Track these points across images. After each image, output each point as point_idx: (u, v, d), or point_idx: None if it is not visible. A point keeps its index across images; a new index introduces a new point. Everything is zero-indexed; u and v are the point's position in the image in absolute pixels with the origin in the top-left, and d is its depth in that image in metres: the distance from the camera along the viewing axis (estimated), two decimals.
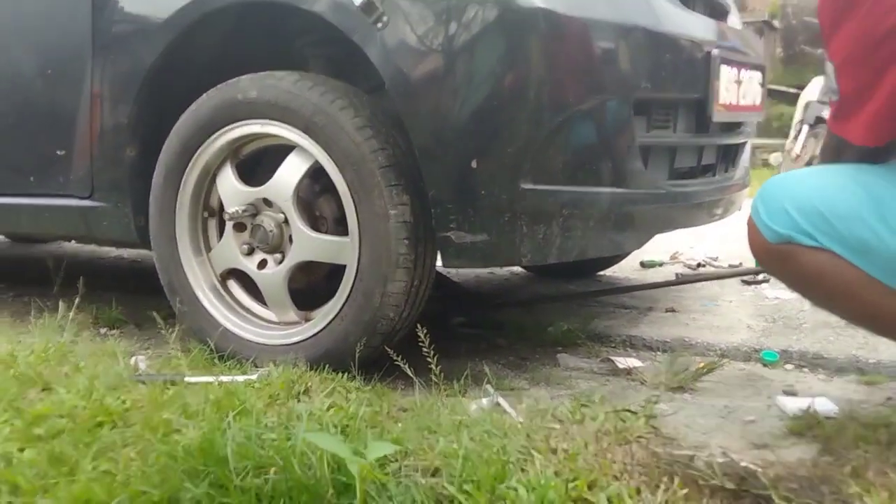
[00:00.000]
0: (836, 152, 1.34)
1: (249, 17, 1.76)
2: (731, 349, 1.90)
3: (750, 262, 2.57)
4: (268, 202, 1.69)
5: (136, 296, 2.41)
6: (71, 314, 1.83)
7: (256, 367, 1.65)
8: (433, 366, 1.36)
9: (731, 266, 2.91)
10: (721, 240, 3.26)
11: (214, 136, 1.70)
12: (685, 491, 1.07)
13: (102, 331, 2.12)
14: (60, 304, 1.89)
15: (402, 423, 1.32)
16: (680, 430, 1.38)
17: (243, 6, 1.70)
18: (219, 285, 1.80)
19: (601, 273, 2.81)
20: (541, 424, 1.28)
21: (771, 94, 2.30)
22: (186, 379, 1.52)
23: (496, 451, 1.13)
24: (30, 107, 2.02)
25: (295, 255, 1.66)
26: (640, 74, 1.58)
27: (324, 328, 1.63)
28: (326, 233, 1.68)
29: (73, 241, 3.27)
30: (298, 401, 1.43)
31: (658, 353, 1.92)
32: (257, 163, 1.79)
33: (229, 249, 1.75)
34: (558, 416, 1.34)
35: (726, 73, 1.76)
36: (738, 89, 1.83)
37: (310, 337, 1.65)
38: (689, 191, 1.78)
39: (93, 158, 1.89)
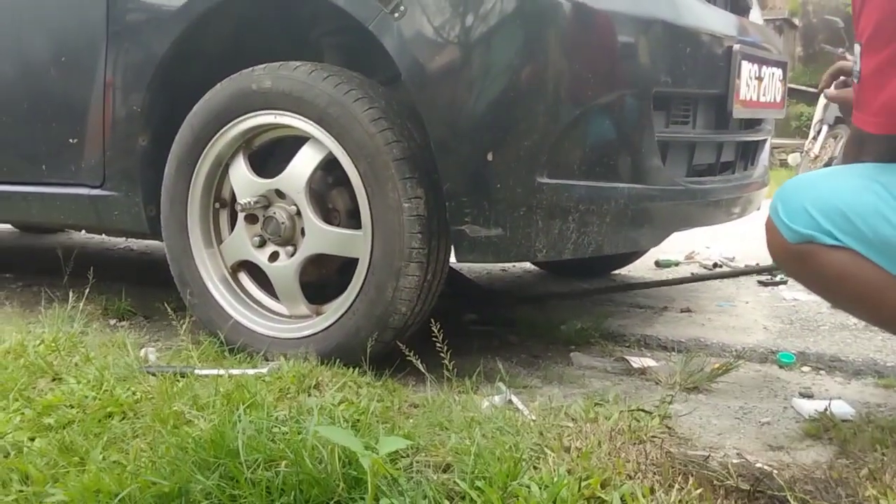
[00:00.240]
0: (858, 149, 1.32)
1: (264, 5, 1.74)
2: (747, 350, 1.88)
3: (767, 262, 2.54)
4: (280, 194, 1.68)
5: (145, 287, 2.41)
6: (81, 305, 1.84)
7: (267, 360, 1.65)
8: (446, 362, 1.35)
9: (747, 266, 2.88)
10: (738, 240, 3.23)
11: (227, 126, 1.69)
12: (699, 491, 1.06)
13: (112, 322, 2.12)
14: (70, 294, 1.89)
15: (413, 418, 1.31)
16: (695, 431, 1.37)
17: None
18: (230, 277, 1.79)
19: (615, 272, 2.79)
20: (554, 422, 1.28)
21: (790, 94, 2.27)
22: (197, 371, 1.52)
23: (509, 448, 1.13)
24: (43, 94, 2.02)
25: (307, 248, 1.65)
26: (660, 68, 1.56)
27: (335, 322, 1.62)
28: (339, 226, 1.67)
29: (82, 232, 3.28)
30: (309, 395, 1.42)
31: (673, 353, 1.90)
32: (270, 154, 1.78)
33: (241, 241, 1.74)
34: (571, 415, 1.34)
35: (747, 69, 1.74)
36: (758, 86, 1.81)
37: (321, 331, 1.64)
38: (708, 188, 1.76)
39: (105, 147, 1.89)
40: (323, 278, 1.76)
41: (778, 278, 2.61)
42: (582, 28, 1.48)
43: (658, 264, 2.97)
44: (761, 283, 2.63)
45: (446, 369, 1.36)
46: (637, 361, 1.78)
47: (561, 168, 1.48)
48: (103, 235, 3.30)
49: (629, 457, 1.14)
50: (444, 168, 1.50)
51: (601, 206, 1.52)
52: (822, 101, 6.32)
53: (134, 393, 1.40)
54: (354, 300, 1.59)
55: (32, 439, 1.24)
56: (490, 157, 1.46)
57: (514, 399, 1.46)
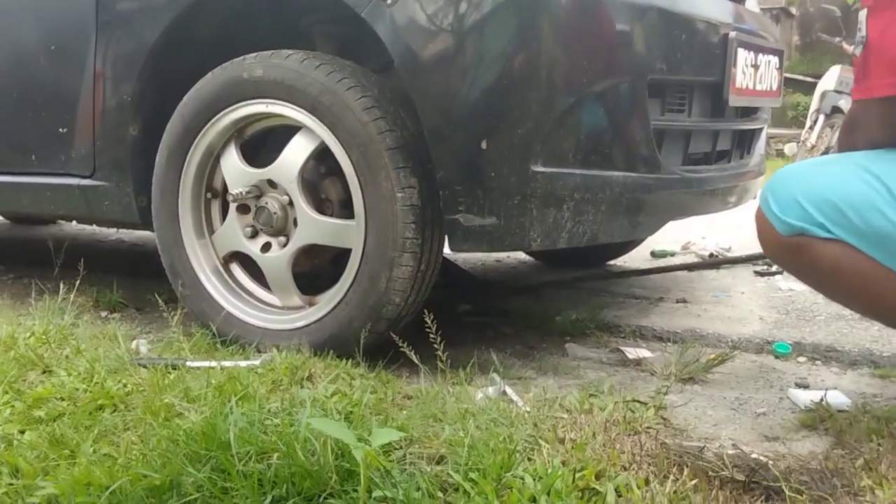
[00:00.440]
0: (852, 135, 1.31)
1: None
2: (742, 341, 1.88)
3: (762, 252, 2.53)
4: (272, 184, 1.66)
5: (136, 279, 2.40)
6: (71, 297, 1.83)
7: (259, 352, 1.64)
8: (440, 353, 1.34)
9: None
10: (734, 229, 3.23)
11: (219, 115, 1.67)
12: (694, 482, 1.06)
13: (103, 314, 2.11)
14: (61, 286, 1.88)
15: (407, 410, 1.31)
16: (690, 422, 1.37)
17: None
18: (222, 268, 1.78)
19: (610, 262, 2.78)
20: (548, 414, 1.27)
21: (786, 83, 2.26)
22: (188, 363, 1.51)
23: (503, 439, 1.13)
24: (32, 83, 2.00)
25: (299, 239, 1.64)
26: (655, 56, 1.55)
27: (328, 313, 1.61)
28: (332, 216, 1.65)
29: (73, 222, 3.26)
30: (302, 387, 1.41)
31: (668, 343, 1.90)
32: (262, 143, 1.76)
33: (233, 232, 1.73)
34: (566, 406, 1.33)
35: (743, 57, 1.73)
36: (754, 73, 1.79)
37: (314, 322, 1.63)
38: (704, 177, 1.75)
39: (95, 137, 1.87)
40: (316, 269, 1.75)
41: (774, 268, 2.60)
42: (576, 15, 1.46)
43: (653, 255, 2.96)
44: (757, 273, 2.63)
45: (440, 360, 1.35)
46: (632, 352, 1.78)
47: (555, 156, 1.46)
48: (94, 227, 3.29)
49: (624, 448, 1.14)
50: (438, 157, 1.49)
51: (596, 195, 1.51)
52: (818, 90, 6.32)
53: (125, 385, 1.40)
54: (348, 291, 1.58)
55: (22, 432, 1.23)
56: (484, 145, 1.45)
57: (509, 390, 1.45)
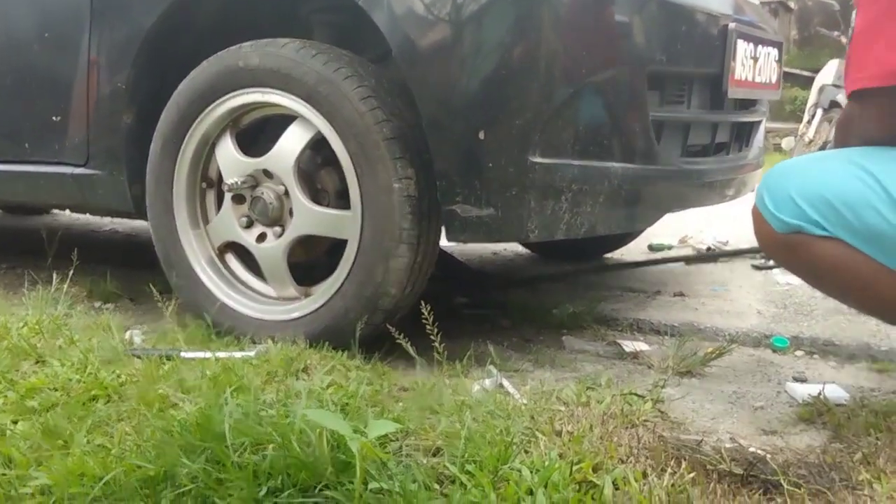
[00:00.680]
0: (847, 131, 1.30)
1: None
2: (740, 334, 1.87)
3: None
4: (268, 174, 1.65)
5: (130, 269, 2.39)
6: (65, 287, 1.82)
7: (254, 343, 1.63)
8: (436, 345, 1.33)
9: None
10: (731, 222, 3.22)
11: (214, 104, 1.66)
12: (692, 475, 1.05)
13: (97, 304, 2.10)
14: (54, 276, 1.87)
15: (403, 402, 1.30)
16: (687, 415, 1.37)
17: None
18: (216, 259, 1.77)
19: (608, 255, 2.78)
20: (545, 406, 1.27)
21: (785, 77, 2.25)
22: (183, 354, 1.50)
23: (499, 432, 1.12)
24: (26, 70, 1.98)
25: (295, 229, 1.63)
26: (655, 47, 1.54)
27: (324, 304, 1.60)
28: (328, 206, 1.64)
29: (67, 212, 3.25)
30: (297, 378, 1.41)
31: (666, 337, 1.89)
32: (258, 133, 1.75)
33: (228, 222, 1.72)
34: (563, 399, 1.33)
35: (743, 49, 1.72)
36: (754, 66, 1.79)
37: (309, 313, 1.62)
38: (702, 169, 1.75)
39: (89, 125, 1.86)
40: (311, 260, 1.74)
41: (771, 262, 2.60)
42: (575, 5, 1.45)
43: (651, 248, 2.96)
44: (755, 267, 2.63)
45: (437, 353, 1.35)
46: (630, 345, 1.78)
47: (554, 147, 1.45)
48: (88, 216, 3.27)
49: (621, 441, 1.14)
50: (436, 147, 1.48)
51: (594, 186, 1.50)
52: (816, 84, 6.31)
53: (119, 376, 1.39)
54: (343, 282, 1.57)
55: (16, 422, 1.23)
56: (482, 135, 1.43)
57: (506, 383, 1.45)
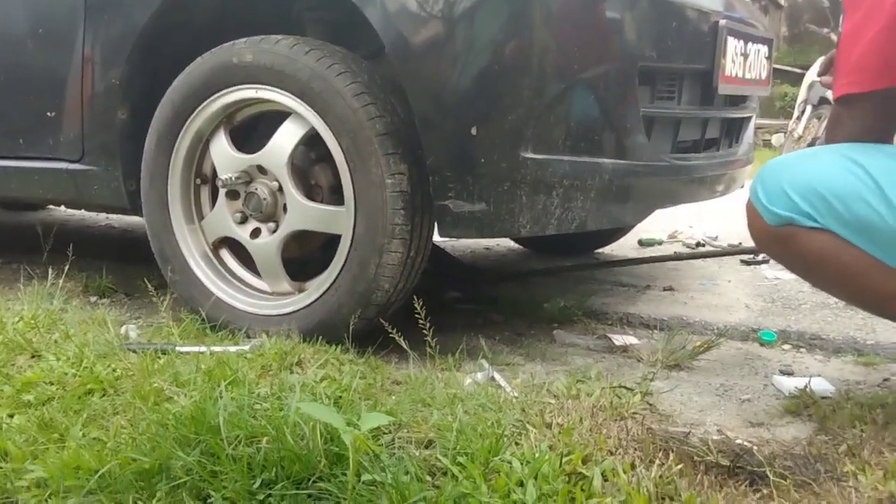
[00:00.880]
0: (836, 129, 1.32)
1: None
2: (728, 328, 1.89)
3: (750, 241, 2.55)
4: (262, 169, 1.66)
5: (126, 264, 2.39)
6: (60, 282, 1.82)
7: (249, 337, 1.64)
8: (429, 339, 1.34)
9: (730, 245, 2.90)
10: (721, 218, 3.24)
11: (208, 100, 1.66)
12: (680, 466, 1.07)
13: (92, 299, 2.10)
14: (50, 271, 1.87)
15: (395, 395, 1.31)
16: (676, 408, 1.38)
17: None
18: (211, 254, 1.78)
19: (598, 251, 2.79)
20: (536, 399, 1.28)
21: (774, 74, 2.26)
22: (178, 348, 1.51)
23: (490, 424, 1.13)
24: (20, 66, 1.97)
25: (289, 224, 1.64)
26: (645, 43, 1.55)
27: (317, 299, 1.61)
28: (321, 202, 1.65)
29: (62, 207, 3.24)
30: (291, 372, 1.41)
31: (655, 331, 1.91)
32: (252, 129, 1.75)
33: (222, 217, 1.72)
34: (553, 392, 1.34)
35: (733, 45, 1.73)
36: (744, 62, 1.80)
37: (303, 308, 1.63)
38: (692, 164, 1.76)
39: (83, 120, 1.86)
40: (305, 255, 1.74)
41: (760, 257, 2.62)
42: (567, 1, 1.46)
43: (641, 243, 2.97)
44: (744, 261, 2.65)
45: (429, 346, 1.35)
46: (619, 339, 1.79)
47: (545, 143, 1.47)
48: (83, 212, 3.26)
49: (610, 433, 1.15)
50: (428, 143, 1.48)
51: (585, 182, 1.51)
52: (806, 81, 6.33)
53: (114, 370, 1.39)
54: (337, 277, 1.58)
55: (11, 416, 1.23)
56: (474, 131, 1.45)
57: (497, 376, 1.46)
